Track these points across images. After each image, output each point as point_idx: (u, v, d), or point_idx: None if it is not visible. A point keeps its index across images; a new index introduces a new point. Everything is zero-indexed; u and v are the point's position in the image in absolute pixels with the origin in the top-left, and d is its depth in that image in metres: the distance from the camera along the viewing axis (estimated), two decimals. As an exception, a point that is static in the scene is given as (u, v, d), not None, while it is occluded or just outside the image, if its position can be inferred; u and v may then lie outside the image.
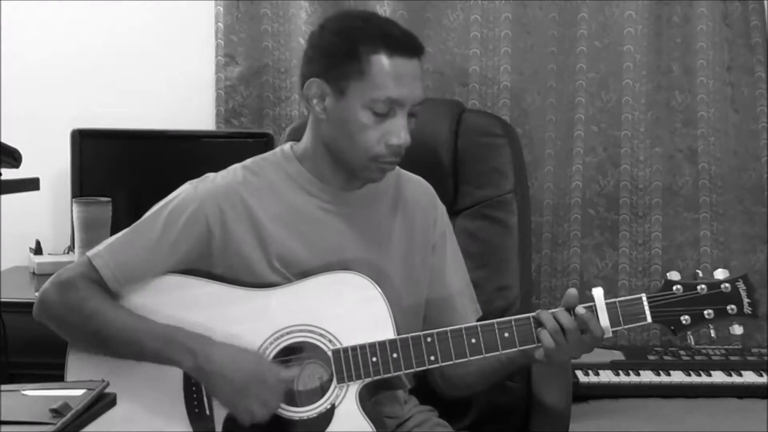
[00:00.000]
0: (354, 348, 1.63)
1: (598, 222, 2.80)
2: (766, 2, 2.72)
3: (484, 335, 1.63)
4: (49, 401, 1.24)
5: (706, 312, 1.62)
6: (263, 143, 2.63)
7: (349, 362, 1.63)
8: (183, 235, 1.68)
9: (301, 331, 1.65)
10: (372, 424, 1.63)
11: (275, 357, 1.65)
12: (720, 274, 1.65)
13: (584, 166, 2.77)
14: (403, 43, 1.64)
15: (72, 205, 2.52)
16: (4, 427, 1.20)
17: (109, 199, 2.53)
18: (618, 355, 2.56)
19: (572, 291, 1.64)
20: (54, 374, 1.68)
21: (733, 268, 2.73)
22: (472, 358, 1.63)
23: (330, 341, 1.64)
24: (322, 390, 1.65)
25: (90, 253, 1.70)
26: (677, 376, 2.49)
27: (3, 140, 1.58)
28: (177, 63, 2.84)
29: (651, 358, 2.57)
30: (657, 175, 2.76)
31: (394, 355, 1.63)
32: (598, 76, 2.76)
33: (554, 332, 1.60)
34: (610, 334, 1.62)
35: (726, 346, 2.63)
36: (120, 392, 1.38)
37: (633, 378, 2.48)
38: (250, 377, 1.60)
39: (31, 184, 1.67)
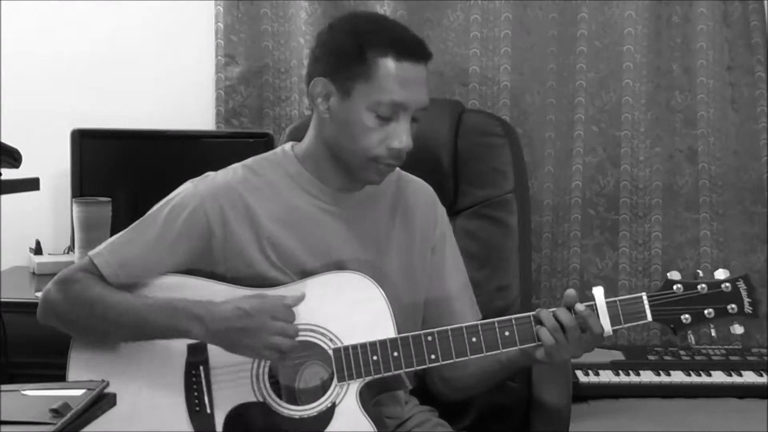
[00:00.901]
0: (355, 347, 1.63)
1: (598, 222, 2.80)
2: (766, 2, 2.72)
3: (485, 334, 1.63)
4: (49, 401, 1.24)
5: (706, 311, 1.62)
6: (263, 143, 2.63)
7: (349, 361, 1.63)
8: (183, 234, 1.69)
9: (302, 330, 1.64)
10: (372, 423, 1.63)
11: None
12: (721, 273, 1.65)
13: (584, 166, 2.77)
14: (412, 47, 1.65)
15: (72, 205, 2.52)
16: (4, 427, 1.20)
17: (109, 199, 2.53)
18: (618, 355, 2.55)
19: (571, 291, 1.65)
20: (54, 374, 1.68)
21: (733, 268, 2.72)
22: (472, 356, 1.63)
23: (331, 340, 1.65)
24: (323, 389, 1.65)
25: (91, 252, 1.71)
26: (677, 376, 2.49)
27: (3, 140, 1.58)
28: (177, 63, 2.84)
29: (651, 358, 2.57)
30: (657, 175, 2.76)
31: (395, 354, 1.63)
32: (598, 76, 2.76)
33: (554, 330, 1.60)
34: (611, 333, 1.62)
35: (726, 346, 2.63)
36: (121, 391, 1.38)
37: (633, 378, 2.48)
38: (260, 316, 1.59)
39: (31, 184, 1.67)
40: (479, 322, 1.66)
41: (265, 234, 1.70)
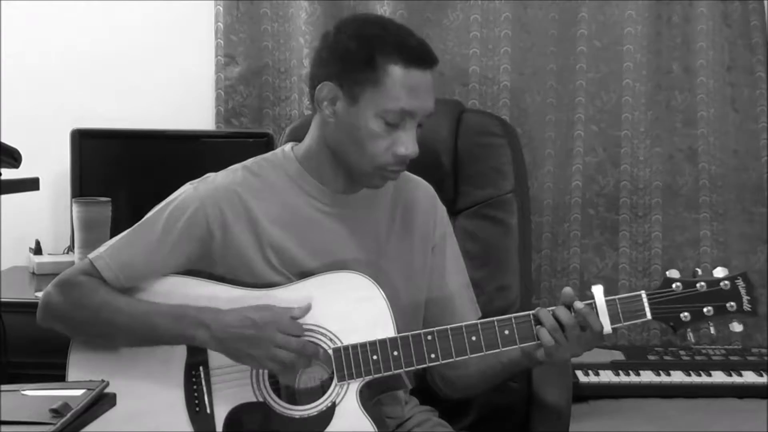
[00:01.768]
0: (354, 346, 1.63)
1: (598, 222, 2.80)
2: (766, 2, 2.72)
3: (485, 333, 1.64)
4: (49, 401, 1.24)
5: (705, 309, 1.63)
6: (263, 143, 2.63)
7: (349, 360, 1.63)
8: (184, 236, 1.69)
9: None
10: (373, 422, 1.63)
11: None
12: (719, 272, 1.65)
13: (584, 166, 2.77)
14: (419, 54, 1.65)
15: (72, 205, 2.52)
16: (4, 427, 1.20)
17: (109, 199, 2.53)
18: (618, 355, 2.56)
19: (568, 289, 1.65)
20: (54, 374, 1.68)
21: (733, 268, 2.72)
22: (472, 355, 1.64)
23: (331, 340, 1.65)
24: (323, 388, 1.65)
25: (91, 255, 1.71)
26: (677, 376, 2.49)
27: (3, 140, 1.58)
28: (177, 63, 2.84)
29: (651, 358, 2.57)
30: (657, 175, 2.76)
31: (395, 353, 1.63)
32: (598, 76, 2.76)
33: (552, 330, 1.60)
34: (610, 331, 1.62)
35: (726, 346, 2.63)
36: (121, 391, 1.38)
37: (633, 378, 2.48)
38: (267, 328, 1.59)
39: (31, 184, 1.67)
40: (479, 321, 1.66)
41: (264, 236, 1.70)
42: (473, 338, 1.63)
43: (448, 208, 1.94)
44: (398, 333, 1.65)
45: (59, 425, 1.19)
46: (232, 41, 2.78)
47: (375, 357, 1.63)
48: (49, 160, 2.69)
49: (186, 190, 1.73)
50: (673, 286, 1.63)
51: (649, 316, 1.62)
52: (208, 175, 1.76)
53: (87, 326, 1.68)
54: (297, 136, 1.86)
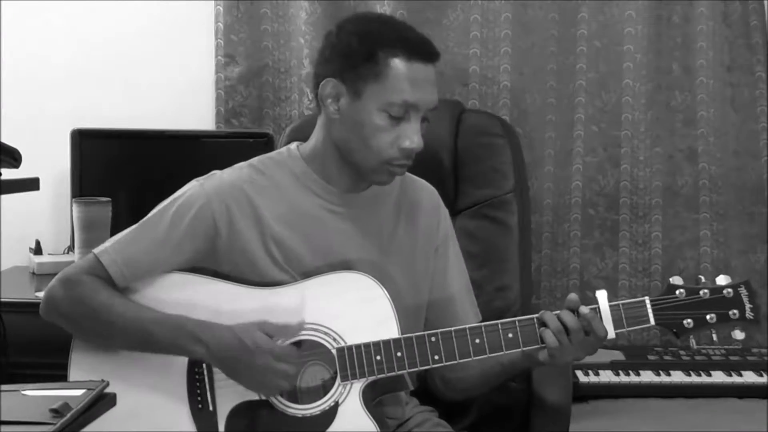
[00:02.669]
0: (358, 346, 1.63)
1: (598, 222, 2.80)
2: (766, 2, 2.72)
3: (488, 335, 1.63)
4: (49, 401, 1.24)
5: (708, 316, 1.63)
6: (263, 143, 2.63)
7: (353, 360, 1.63)
8: (190, 232, 1.68)
9: (305, 329, 1.65)
10: (375, 423, 1.63)
11: None
12: (722, 279, 1.65)
13: (584, 166, 2.77)
14: (421, 48, 1.66)
15: (72, 205, 2.52)
16: (4, 427, 1.20)
17: (109, 199, 2.53)
18: (618, 355, 2.55)
19: (573, 295, 1.65)
20: (54, 374, 1.68)
21: (734, 268, 2.73)
22: (476, 357, 1.63)
23: (334, 339, 1.65)
24: (325, 388, 1.65)
25: (97, 250, 1.70)
26: (677, 376, 2.49)
27: (3, 140, 1.58)
28: (177, 63, 2.84)
29: (651, 358, 2.57)
30: (657, 175, 2.76)
31: (398, 354, 1.63)
32: (598, 76, 2.76)
33: (558, 332, 1.60)
34: (614, 336, 1.62)
35: (726, 347, 2.62)
36: (124, 390, 1.38)
37: (633, 378, 2.48)
38: (263, 356, 1.59)
39: (31, 184, 1.67)
40: (482, 323, 1.66)
41: (270, 234, 1.70)
42: (477, 341, 1.63)
43: (448, 208, 1.94)
44: (401, 334, 1.64)
45: (59, 425, 1.19)
46: (232, 41, 2.78)
47: (378, 357, 1.63)
48: (49, 160, 2.69)
49: (192, 186, 1.73)
50: (677, 292, 1.63)
51: (652, 322, 1.62)
52: (214, 172, 1.76)
53: (87, 325, 1.68)
54: (297, 136, 1.86)
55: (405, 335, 1.64)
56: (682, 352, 2.59)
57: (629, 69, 2.74)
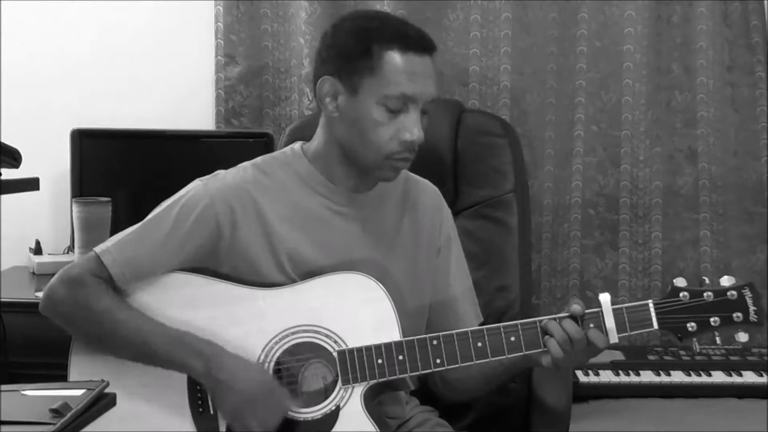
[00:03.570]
0: (360, 349, 1.62)
1: (598, 222, 2.80)
2: (766, 2, 2.72)
3: (490, 339, 1.62)
4: (49, 401, 1.24)
5: (712, 319, 1.61)
6: (263, 143, 2.63)
7: (354, 364, 1.62)
8: (192, 233, 1.67)
9: (306, 331, 1.64)
10: (377, 427, 1.63)
11: (281, 357, 1.65)
12: (726, 281, 1.63)
13: (584, 166, 2.77)
14: (416, 40, 1.65)
15: (72, 205, 2.52)
16: (4, 427, 1.20)
17: (109, 199, 2.53)
18: (618, 355, 2.55)
19: (576, 306, 1.61)
20: (54, 374, 1.67)
21: (734, 268, 2.73)
22: (478, 361, 1.63)
23: (335, 342, 1.64)
24: (326, 391, 1.64)
25: (98, 249, 1.69)
26: (677, 376, 2.49)
27: (3, 140, 1.58)
28: (177, 63, 2.84)
29: (651, 358, 2.57)
30: (657, 175, 2.76)
31: (400, 357, 1.62)
32: (598, 76, 2.76)
33: (563, 342, 1.59)
34: (617, 340, 1.61)
35: (726, 347, 2.63)
36: (124, 391, 1.38)
37: (633, 378, 2.48)
38: (258, 393, 1.59)
39: (31, 184, 1.66)
40: (485, 327, 1.65)
41: (274, 234, 1.69)
42: (479, 344, 1.62)
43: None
44: (403, 336, 1.64)
45: (59, 425, 1.18)
46: (232, 41, 2.78)
47: (380, 361, 1.62)
48: (49, 160, 2.69)
49: (195, 186, 1.72)
50: (680, 295, 1.62)
51: (655, 326, 1.61)
52: (218, 172, 1.75)
53: (87, 329, 1.67)
54: (297, 136, 1.86)
55: (407, 338, 1.63)
56: (682, 352, 2.59)
57: (629, 69, 2.74)
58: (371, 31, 1.64)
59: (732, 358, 2.56)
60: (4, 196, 1.60)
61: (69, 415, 1.21)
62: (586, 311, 1.61)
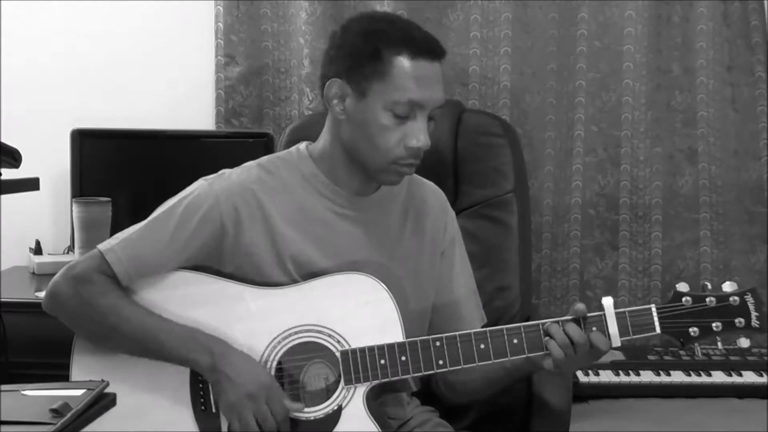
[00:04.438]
0: (362, 350, 1.62)
1: (598, 222, 2.80)
2: (766, 2, 2.72)
3: (493, 341, 1.62)
4: (49, 401, 1.24)
5: (714, 324, 1.61)
6: (263, 143, 2.63)
7: (357, 364, 1.62)
8: (197, 232, 1.67)
9: (309, 331, 1.64)
10: (378, 427, 1.63)
11: (283, 356, 1.65)
12: (728, 286, 1.63)
13: (584, 166, 2.77)
14: (426, 45, 1.64)
15: (72, 205, 2.52)
16: (4, 427, 1.20)
17: (109, 199, 2.53)
18: (618, 355, 2.55)
19: (579, 307, 1.62)
20: (54, 374, 1.67)
21: (734, 268, 2.73)
22: (480, 363, 1.62)
23: (338, 342, 1.64)
24: (329, 391, 1.64)
25: (102, 247, 1.68)
26: (677, 376, 2.49)
27: (3, 140, 1.58)
28: (177, 63, 2.84)
29: (651, 358, 2.57)
30: (657, 175, 2.76)
31: (403, 358, 1.62)
32: (598, 76, 2.76)
33: (564, 346, 1.59)
34: (619, 345, 1.62)
35: (726, 347, 2.62)
36: (126, 390, 1.38)
37: (633, 378, 2.48)
38: (261, 391, 1.60)
39: (31, 184, 1.66)
40: (487, 329, 1.65)
41: (278, 235, 1.69)
42: (482, 346, 1.62)
43: (448, 208, 1.94)
44: (406, 337, 1.64)
45: (59, 425, 1.18)
46: (232, 41, 2.78)
47: (383, 361, 1.62)
48: (49, 160, 2.69)
49: (200, 185, 1.72)
50: (683, 300, 1.62)
51: (658, 330, 1.61)
52: (222, 171, 1.75)
53: (92, 326, 1.67)
54: (297, 136, 1.86)
55: (410, 339, 1.63)
56: (682, 353, 2.59)
57: (629, 69, 2.74)
58: (381, 35, 1.63)
59: (732, 358, 2.55)
60: (4, 196, 1.60)
61: (69, 415, 1.21)
62: (589, 314, 1.61)
